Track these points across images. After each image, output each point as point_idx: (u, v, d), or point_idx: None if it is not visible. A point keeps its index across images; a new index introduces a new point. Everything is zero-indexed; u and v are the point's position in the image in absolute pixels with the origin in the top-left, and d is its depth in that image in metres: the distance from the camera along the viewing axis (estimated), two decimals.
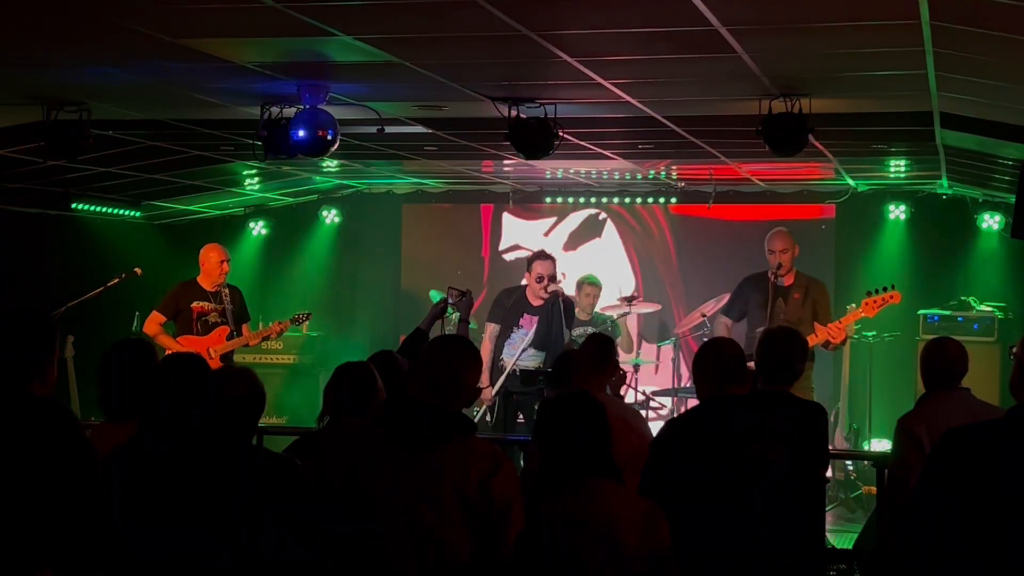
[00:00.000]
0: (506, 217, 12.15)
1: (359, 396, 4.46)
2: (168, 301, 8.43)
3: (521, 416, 8.00)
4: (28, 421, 3.43)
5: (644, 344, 10.82)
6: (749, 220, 11.03)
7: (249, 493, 3.59)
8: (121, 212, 11.03)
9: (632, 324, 10.62)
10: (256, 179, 10.88)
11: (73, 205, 10.22)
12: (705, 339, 7.58)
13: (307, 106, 6.54)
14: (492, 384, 7.95)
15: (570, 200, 11.87)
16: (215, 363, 8.06)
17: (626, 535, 3.52)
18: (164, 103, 7.07)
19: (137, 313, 9.06)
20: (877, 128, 7.55)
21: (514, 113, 6.69)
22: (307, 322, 9.34)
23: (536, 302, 8.03)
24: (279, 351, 11.41)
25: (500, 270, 11.94)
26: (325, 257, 12.45)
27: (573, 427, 3.67)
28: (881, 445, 9.49)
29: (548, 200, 11.93)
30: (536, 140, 6.76)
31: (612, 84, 6.23)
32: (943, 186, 10.51)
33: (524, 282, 8.34)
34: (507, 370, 7.94)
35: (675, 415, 8.63)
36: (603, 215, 11.92)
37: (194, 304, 8.36)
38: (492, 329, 8.17)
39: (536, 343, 7.94)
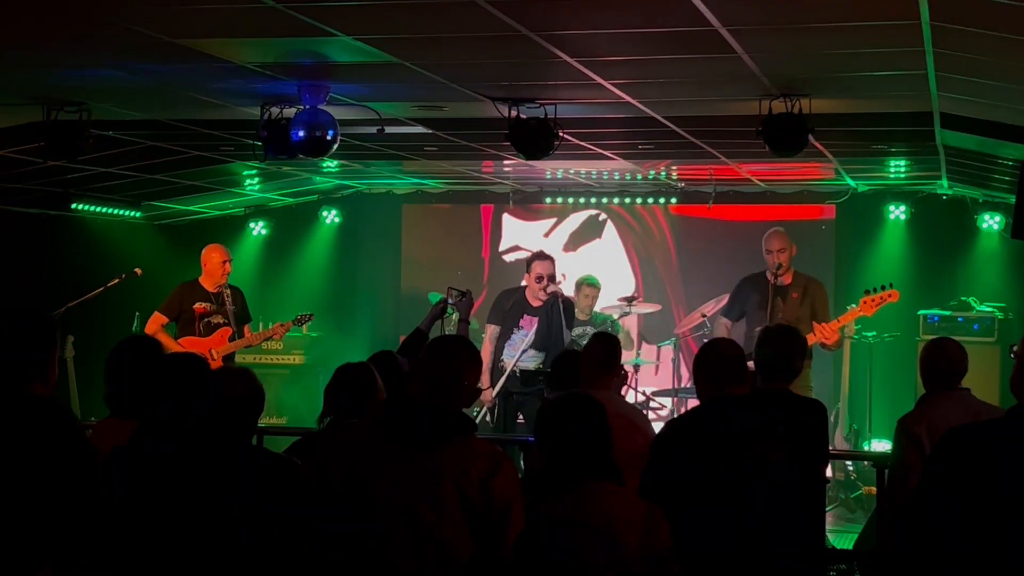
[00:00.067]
0: (506, 218, 12.15)
1: (359, 397, 4.46)
2: (170, 302, 8.42)
3: (521, 416, 8.00)
4: (28, 421, 3.43)
5: (644, 344, 10.82)
6: (749, 220, 11.02)
7: (249, 493, 3.58)
8: (121, 212, 11.04)
9: (632, 324, 10.63)
10: (256, 179, 10.88)
11: (73, 205, 10.22)
12: (705, 339, 7.58)
13: (307, 106, 6.54)
14: (492, 385, 7.95)
15: (570, 200, 11.87)
16: (217, 364, 8.05)
17: (626, 536, 3.52)
18: (164, 103, 7.07)
19: (137, 313, 9.06)
20: (877, 128, 7.55)
21: (514, 113, 6.69)
22: (309, 323, 9.33)
23: (536, 303, 8.02)
24: (279, 351, 11.42)
25: (500, 271, 11.95)
26: (325, 257, 12.45)
27: (573, 428, 3.67)
28: (881, 445, 9.49)
29: (548, 200, 11.93)
30: (536, 140, 6.76)
31: (612, 84, 6.23)
32: (943, 186, 10.51)
33: (524, 283, 8.34)
34: (507, 371, 7.93)
35: (675, 415, 8.64)
36: (603, 215, 11.92)
37: (196, 305, 8.34)
38: (492, 330, 8.16)
39: (536, 344, 7.94)
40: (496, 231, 12.17)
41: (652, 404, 9.26)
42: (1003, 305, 10.12)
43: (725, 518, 4.03)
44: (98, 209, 10.62)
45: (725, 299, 8.52)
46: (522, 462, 6.29)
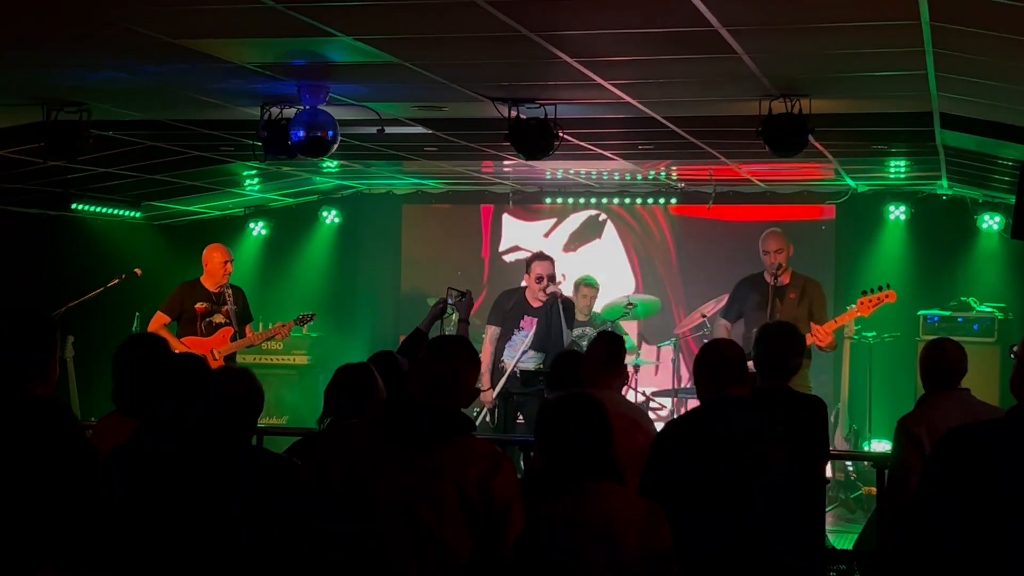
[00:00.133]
0: (506, 218, 12.15)
1: (360, 397, 4.46)
2: (172, 301, 8.41)
3: (521, 417, 8.00)
4: (28, 421, 3.43)
5: (644, 345, 10.82)
6: (749, 221, 11.02)
7: (249, 493, 3.58)
8: (121, 212, 11.03)
9: (632, 325, 10.62)
10: (256, 180, 10.88)
11: (73, 206, 10.22)
12: (705, 340, 7.58)
13: (307, 107, 6.54)
14: (493, 386, 7.94)
15: (570, 201, 11.87)
16: (219, 364, 8.05)
17: (626, 536, 3.52)
18: (164, 104, 7.07)
19: (137, 313, 9.06)
20: (877, 129, 7.55)
21: (514, 114, 6.69)
22: (310, 323, 9.31)
23: (536, 303, 8.02)
24: (279, 352, 11.42)
25: (500, 271, 11.95)
26: (325, 258, 12.46)
27: (573, 428, 3.67)
28: (881, 446, 9.49)
29: (548, 201, 11.93)
30: (536, 141, 6.76)
31: (612, 84, 6.23)
32: (943, 187, 10.51)
33: (524, 283, 8.34)
34: (508, 372, 7.93)
35: (675, 416, 8.64)
36: (603, 216, 11.92)
37: (198, 305, 8.33)
38: (492, 331, 8.15)
39: (535, 344, 7.93)
40: (496, 231, 12.17)
41: (652, 404, 9.26)
42: (1003, 305, 10.12)
43: (725, 518, 4.03)
44: (98, 209, 10.62)
45: (725, 299, 8.52)
46: (522, 462, 6.29)
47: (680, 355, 9.55)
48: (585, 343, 8.82)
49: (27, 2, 4.77)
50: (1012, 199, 7.25)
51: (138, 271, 9.02)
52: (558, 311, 7.83)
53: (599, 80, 6.08)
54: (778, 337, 5.10)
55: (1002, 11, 4.22)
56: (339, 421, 4.45)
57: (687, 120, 7.38)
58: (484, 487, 3.37)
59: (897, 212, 10.92)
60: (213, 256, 8.47)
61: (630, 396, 8.40)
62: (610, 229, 11.91)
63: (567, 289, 8.91)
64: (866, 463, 8.90)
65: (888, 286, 7.80)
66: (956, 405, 4.91)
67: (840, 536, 7.95)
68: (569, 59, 5.60)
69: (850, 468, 9.44)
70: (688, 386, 8.79)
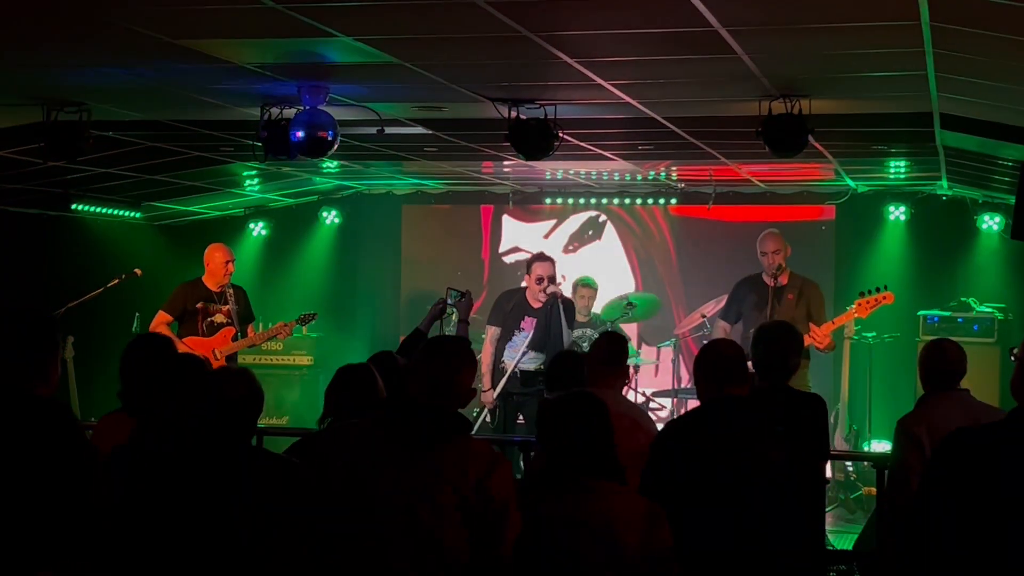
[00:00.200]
0: (506, 219, 12.15)
1: (360, 397, 4.46)
2: (174, 301, 8.40)
3: (521, 417, 8.00)
4: (28, 421, 3.43)
5: (644, 345, 10.82)
6: (749, 221, 11.02)
7: (249, 493, 3.58)
8: (121, 213, 11.03)
9: (632, 325, 10.62)
10: (256, 180, 10.89)
11: (73, 206, 10.22)
12: (705, 340, 7.58)
13: (307, 107, 6.54)
14: (493, 387, 7.94)
15: (570, 201, 11.87)
16: (221, 364, 8.04)
17: (626, 535, 3.52)
18: (164, 104, 7.07)
19: (137, 314, 9.06)
20: (877, 129, 7.55)
21: (514, 114, 6.69)
22: (312, 322, 9.30)
23: (536, 304, 8.02)
24: (279, 352, 11.42)
25: (500, 271, 11.95)
26: (325, 258, 12.46)
27: (573, 427, 3.67)
28: (881, 446, 9.49)
29: (548, 201, 11.93)
30: (536, 141, 6.76)
31: (612, 85, 6.23)
32: (943, 187, 10.51)
33: (524, 284, 8.33)
34: (508, 372, 7.92)
35: (675, 416, 8.64)
36: (603, 216, 11.92)
37: (200, 305, 8.33)
38: (493, 332, 8.15)
39: (533, 344, 7.92)
40: (496, 232, 12.17)
41: (652, 405, 9.26)
42: (1003, 306, 10.12)
43: (725, 518, 4.03)
44: (98, 210, 10.62)
45: (724, 300, 8.53)
46: (522, 463, 6.29)
47: (680, 355, 9.55)
48: (586, 344, 8.82)
49: (27, 2, 4.77)
50: (1012, 199, 7.25)
51: (138, 271, 9.02)
52: (558, 312, 7.83)
53: (599, 80, 6.08)
54: (775, 337, 5.09)
55: (1002, 11, 4.22)
56: (339, 421, 4.45)
57: (687, 120, 7.38)
58: (481, 487, 3.38)
59: (897, 212, 10.92)
60: (215, 256, 8.47)
61: (630, 396, 8.40)
62: (610, 230, 11.90)
63: (566, 290, 8.91)
64: (866, 463, 8.90)
65: (885, 287, 7.80)
66: (956, 405, 4.92)
67: (840, 536, 7.95)
68: (569, 59, 5.60)
69: (850, 469, 9.44)
70: (688, 386, 8.79)
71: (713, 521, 4.02)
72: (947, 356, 5.12)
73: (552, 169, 10.28)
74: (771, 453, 4.12)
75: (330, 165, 10.12)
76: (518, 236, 12.09)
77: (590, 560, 3.50)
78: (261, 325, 9.05)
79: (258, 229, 12.40)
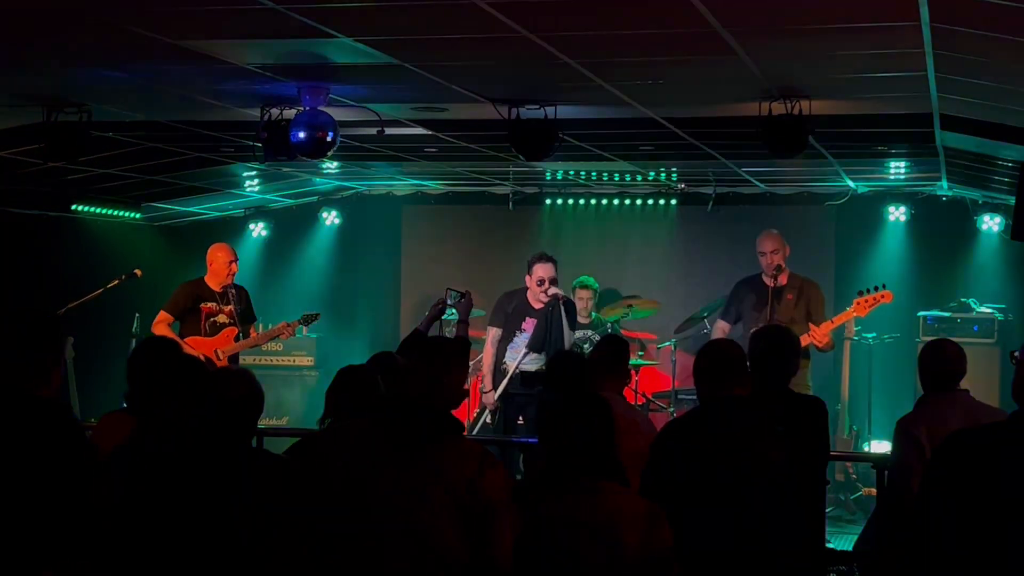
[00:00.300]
0: (506, 219, 12.12)
1: (360, 398, 4.47)
2: (176, 300, 8.37)
3: (522, 418, 7.98)
4: (28, 422, 3.43)
5: (644, 346, 10.79)
6: (749, 221, 11.00)
7: (249, 493, 3.59)
8: (121, 213, 11.03)
9: (632, 325, 10.61)
10: (256, 181, 10.89)
11: (73, 207, 10.22)
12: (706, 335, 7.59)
13: (307, 108, 6.54)
14: (494, 388, 7.92)
15: (570, 202, 11.86)
16: (223, 364, 8.02)
17: (626, 535, 3.52)
18: (164, 105, 7.07)
19: (137, 314, 9.06)
20: (877, 130, 7.55)
21: (514, 115, 6.69)
22: (315, 322, 9.28)
23: (537, 305, 8.00)
24: (279, 352, 11.42)
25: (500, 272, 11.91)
26: (325, 259, 12.45)
27: (573, 427, 3.68)
28: (881, 447, 9.48)
29: (548, 201, 11.92)
30: (536, 141, 6.76)
31: (612, 86, 6.23)
32: (943, 188, 10.51)
33: (525, 285, 8.32)
34: (509, 373, 7.91)
35: (674, 416, 8.63)
36: (603, 217, 11.90)
37: (203, 305, 8.31)
38: (494, 333, 8.12)
39: (536, 345, 7.91)
40: (496, 232, 12.14)
41: (651, 405, 9.26)
42: (1003, 306, 10.11)
43: (725, 518, 4.03)
44: (98, 210, 10.62)
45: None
46: (522, 464, 6.29)
47: (680, 356, 9.55)
48: (587, 346, 8.82)
49: (27, 2, 4.78)
50: (1012, 200, 7.26)
51: (138, 272, 9.01)
52: (559, 313, 7.81)
53: (599, 81, 6.08)
54: (772, 340, 5.07)
55: (1002, 12, 4.22)
56: (339, 422, 4.46)
57: (687, 121, 7.38)
58: (473, 487, 3.38)
59: (897, 213, 10.92)
60: (218, 255, 8.44)
61: (630, 398, 8.40)
62: (610, 230, 11.89)
63: (564, 291, 8.90)
64: (866, 464, 8.90)
65: (884, 286, 7.80)
66: (955, 406, 4.92)
67: (840, 537, 7.95)
68: (569, 60, 5.60)
69: (850, 469, 9.44)
70: (688, 387, 8.79)
71: (713, 521, 4.03)
72: (946, 356, 5.12)
73: (552, 169, 10.28)
74: (771, 453, 4.12)
75: (330, 166, 10.12)
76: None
77: (590, 560, 3.50)
78: (261, 326, 9.05)
79: (258, 230, 12.39)
